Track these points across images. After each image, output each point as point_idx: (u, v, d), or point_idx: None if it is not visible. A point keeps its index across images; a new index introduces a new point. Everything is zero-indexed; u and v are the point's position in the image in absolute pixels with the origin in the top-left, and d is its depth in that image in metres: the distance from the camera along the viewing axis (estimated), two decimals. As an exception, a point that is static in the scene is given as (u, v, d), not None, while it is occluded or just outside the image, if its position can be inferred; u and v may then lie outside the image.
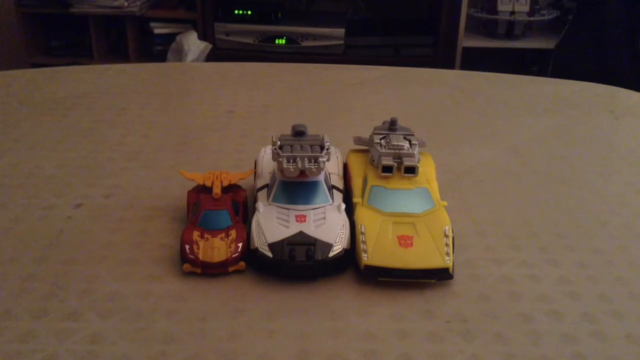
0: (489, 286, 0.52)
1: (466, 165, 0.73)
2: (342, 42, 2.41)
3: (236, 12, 2.41)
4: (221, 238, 0.53)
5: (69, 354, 0.44)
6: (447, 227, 0.53)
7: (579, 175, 0.72)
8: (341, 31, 2.40)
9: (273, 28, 2.41)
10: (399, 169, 0.57)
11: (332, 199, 0.56)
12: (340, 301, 0.50)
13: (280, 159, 0.54)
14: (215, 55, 2.37)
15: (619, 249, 0.58)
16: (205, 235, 0.53)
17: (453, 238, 0.53)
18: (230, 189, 0.59)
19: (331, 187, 0.58)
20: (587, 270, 0.55)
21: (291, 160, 0.54)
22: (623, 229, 0.61)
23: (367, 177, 0.58)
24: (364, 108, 0.90)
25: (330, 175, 0.59)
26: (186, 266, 0.52)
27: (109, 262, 0.54)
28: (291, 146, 0.56)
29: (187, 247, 0.52)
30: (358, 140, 0.64)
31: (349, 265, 0.53)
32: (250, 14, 2.42)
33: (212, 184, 0.58)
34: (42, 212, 0.61)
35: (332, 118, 0.86)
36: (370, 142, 0.61)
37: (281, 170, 0.55)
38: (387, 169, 0.57)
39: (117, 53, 2.54)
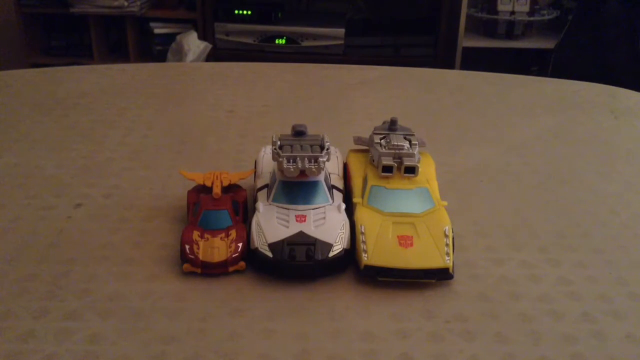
0: (489, 286, 0.52)
1: (466, 165, 0.73)
2: (342, 42, 2.41)
3: (236, 12, 2.41)
4: (221, 238, 0.53)
5: (69, 354, 0.44)
6: (447, 227, 0.53)
7: (579, 175, 0.72)
8: (341, 31, 2.40)
9: (273, 28, 2.42)
10: (399, 169, 0.57)
11: (332, 199, 0.56)
12: (340, 301, 0.50)
13: (280, 159, 0.54)
14: (215, 55, 2.37)
15: (619, 249, 0.58)
16: (205, 235, 0.53)
17: (453, 238, 0.53)
18: (230, 189, 0.59)
19: (331, 187, 0.58)
20: (587, 270, 0.55)
21: (291, 160, 0.54)
22: (623, 229, 0.61)
23: (367, 177, 0.58)
24: (364, 108, 0.90)
25: (330, 175, 0.59)
26: (186, 266, 0.52)
27: (109, 262, 0.54)
28: (291, 146, 0.56)
29: (187, 247, 0.52)
30: (358, 140, 0.64)
31: (349, 265, 0.53)
32: (250, 14, 2.42)
33: (212, 184, 0.58)
34: (42, 212, 0.61)
35: (332, 118, 0.86)
36: (370, 142, 0.61)
37: (281, 170, 0.55)
38: (387, 169, 0.57)
39: (117, 53, 2.54)
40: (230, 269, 0.52)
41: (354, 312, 0.49)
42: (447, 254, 0.52)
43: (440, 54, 2.45)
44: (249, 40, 2.42)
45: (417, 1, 2.69)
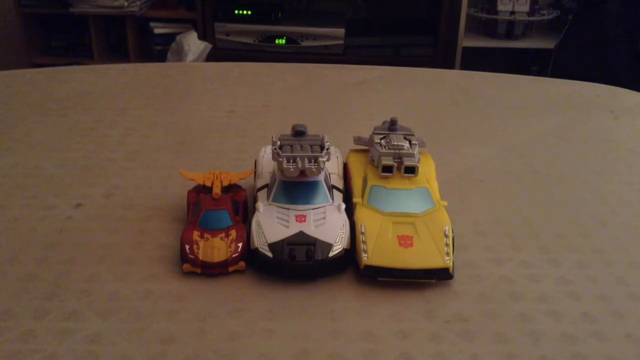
0: (489, 286, 0.52)
1: (466, 165, 0.73)
2: (342, 42, 2.41)
3: (236, 12, 2.41)
4: (221, 238, 0.53)
5: (69, 354, 0.44)
6: (447, 227, 0.53)
7: (579, 175, 0.72)
8: (341, 31, 2.40)
9: (273, 28, 2.41)
10: (399, 169, 0.57)
11: (332, 199, 0.56)
12: (340, 301, 0.50)
13: (280, 159, 0.54)
14: (215, 55, 2.37)
15: (619, 249, 0.58)
16: (205, 235, 0.53)
17: (453, 238, 0.53)
18: (230, 189, 0.59)
19: (331, 187, 0.58)
20: (587, 270, 0.55)
21: (291, 160, 0.54)
22: (623, 229, 0.61)
23: (367, 177, 0.58)
24: (364, 108, 0.90)
25: (330, 175, 0.59)
26: (186, 266, 0.52)
27: (109, 262, 0.54)
28: (291, 146, 0.56)
29: (187, 247, 0.52)
30: (358, 140, 0.64)
31: (349, 265, 0.53)
32: (250, 14, 2.42)
33: (212, 184, 0.58)
34: (42, 212, 0.61)
35: (332, 118, 0.86)
36: (370, 142, 0.61)
37: (281, 170, 0.55)
38: (387, 169, 0.57)
39: (117, 53, 2.54)
40: (230, 269, 0.52)
41: (354, 312, 0.49)
42: (447, 254, 0.52)
43: (440, 54, 2.45)
44: (249, 40, 2.42)
45: (417, 1, 2.68)
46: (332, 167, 0.61)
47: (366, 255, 0.51)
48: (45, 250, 0.55)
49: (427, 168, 0.60)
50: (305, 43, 2.41)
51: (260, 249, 0.52)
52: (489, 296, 0.51)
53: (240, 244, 0.53)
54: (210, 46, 2.33)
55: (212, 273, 0.52)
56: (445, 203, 0.56)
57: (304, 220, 0.53)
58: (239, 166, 0.71)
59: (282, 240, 0.52)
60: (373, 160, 0.59)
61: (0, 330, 0.46)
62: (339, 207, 0.55)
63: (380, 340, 0.46)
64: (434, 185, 0.58)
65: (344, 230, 0.53)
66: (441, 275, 0.52)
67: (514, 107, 0.92)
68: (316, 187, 0.56)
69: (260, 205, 0.55)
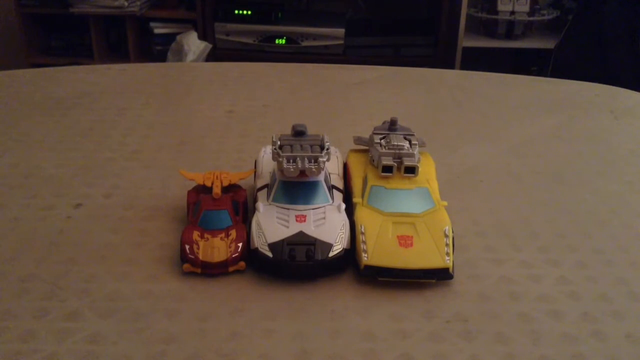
0: (489, 286, 0.52)
1: (466, 165, 0.73)
2: (342, 42, 2.41)
3: (236, 12, 2.41)
4: (221, 238, 0.53)
5: (69, 354, 0.44)
6: (447, 227, 0.53)
7: (579, 175, 0.72)
8: (341, 31, 2.40)
9: (273, 28, 2.42)
10: (399, 169, 0.57)
11: (332, 199, 0.56)
12: (340, 301, 0.50)
13: (280, 159, 0.54)
14: (215, 55, 2.37)
15: (619, 249, 0.58)
16: (205, 235, 0.53)
17: (453, 238, 0.53)
18: (230, 189, 0.59)
19: (331, 187, 0.58)
20: (587, 270, 0.55)
21: (291, 160, 0.54)
22: (623, 229, 0.61)
23: (367, 177, 0.58)
24: (364, 108, 0.90)
25: (330, 175, 0.59)
26: (186, 266, 0.52)
27: (109, 262, 0.54)
28: (291, 146, 0.56)
29: (187, 247, 0.52)
30: (358, 140, 0.64)
31: (349, 265, 0.53)
32: (250, 14, 2.42)
33: (212, 184, 0.58)
34: (42, 212, 0.61)
35: (332, 118, 0.86)
36: (370, 142, 0.61)
37: (281, 170, 0.55)
38: (387, 169, 0.57)
39: (117, 53, 2.54)
40: (230, 269, 0.52)
41: (354, 312, 0.49)
42: (447, 254, 0.52)
43: (440, 54, 2.45)
44: (249, 40, 2.42)
45: (417, 1, 2.68)
46: (332, 167, 0.61)
47: (366, 255, 0.51)
48: (45, 250, 0.55)
49: (427, 168, 0.60)
50: (305, 43, 2.41)
51: (260, 249, 0.52)
52: (489, 296, 0.51)
53: (240, 244, 0.53)
54: (210, 46, 2.33)
55: (212, 273, 0.52)
56: (445, 203, 0.56)
57: (304, 220, 0.53)
58: (239, 166, 0.71)
59: (282, 240, 0.52)
60: (373, 160, 0.59)
61: (0, 330, 0.46)
62: (339, 207, 0.55)
63: (380, 340, 0.46)
64: (434, 185, 0.58)
65: (344, 231, 0.53)
66: (441, 275, 0.52)
67: (514, 107, 0.92)
68: (316, 187, 0.56)
69: (260, 205, 0.55)
